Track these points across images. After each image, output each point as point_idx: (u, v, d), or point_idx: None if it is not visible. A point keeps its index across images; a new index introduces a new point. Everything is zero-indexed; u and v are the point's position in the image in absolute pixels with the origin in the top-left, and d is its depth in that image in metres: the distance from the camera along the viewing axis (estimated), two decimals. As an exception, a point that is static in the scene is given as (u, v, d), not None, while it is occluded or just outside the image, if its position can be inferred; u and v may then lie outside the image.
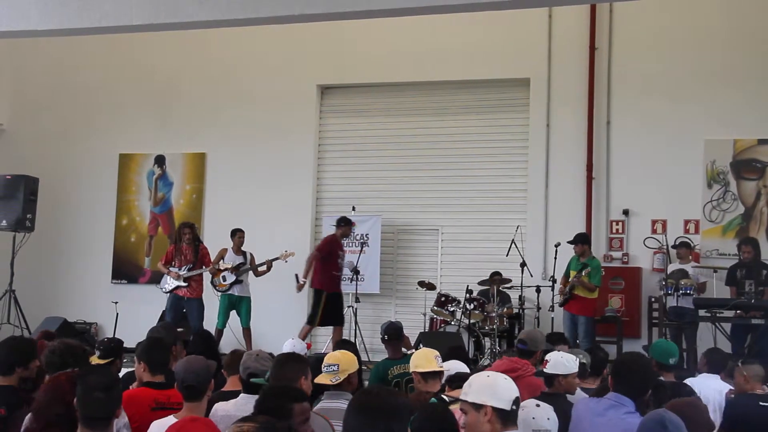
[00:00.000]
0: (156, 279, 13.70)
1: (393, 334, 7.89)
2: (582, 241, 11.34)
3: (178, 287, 11.82)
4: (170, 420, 4.49)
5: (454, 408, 4.75)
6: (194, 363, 4.93)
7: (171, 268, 11.87)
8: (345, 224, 12.12)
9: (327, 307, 11.73)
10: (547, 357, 5.73)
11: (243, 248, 12.24)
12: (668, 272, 11.17)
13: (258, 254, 12.24)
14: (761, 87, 11.96)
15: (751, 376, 6.37)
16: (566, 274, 11.40)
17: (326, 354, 5.61)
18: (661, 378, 6.00)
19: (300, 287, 11.97)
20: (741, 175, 12.08)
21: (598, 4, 12.52)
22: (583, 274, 10.95)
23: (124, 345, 6.39)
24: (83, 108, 15.01)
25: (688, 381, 6.54)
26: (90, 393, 4.05)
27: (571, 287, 11.06)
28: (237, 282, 12.05)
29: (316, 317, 11.72)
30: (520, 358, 6.66)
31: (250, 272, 12.21)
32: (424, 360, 5.62)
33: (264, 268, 12.19)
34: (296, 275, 11.94)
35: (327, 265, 11.80)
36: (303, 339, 10.49)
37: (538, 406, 4.21)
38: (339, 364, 5.20)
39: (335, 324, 11.91)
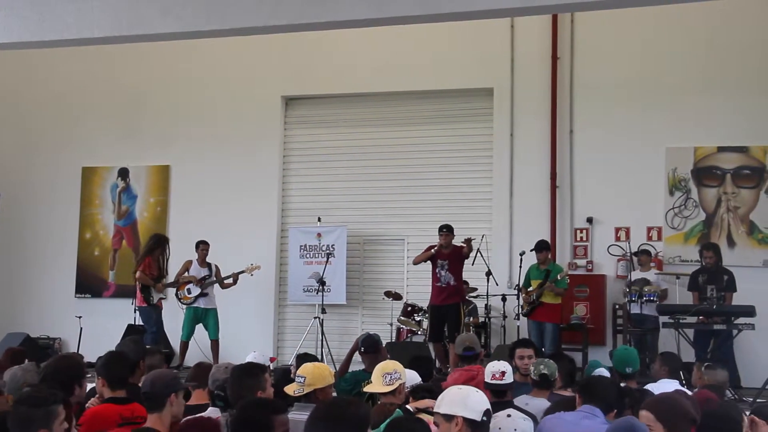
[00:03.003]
0: (121, 293, 13.67)
1: (370, 347, 7.89)
2: (547, 248, 11.41)
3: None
4: None
5: (425, 416, 4.77)
6: (154, 373, 4.96)
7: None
8: (438, 231, 11.20)
9: (430, 321, 11.21)
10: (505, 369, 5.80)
11: (208, 260, 12.18)
12: (631, 279, 11.28)
13: (224, 266, 12.19)
14: (721, 95, 12.12)
15: (712, 381, 6.41)
16: (526, 285, 11.45)
17: (291, 366, 5.60)
18: (623, 384, 6.09)
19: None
20: (702, 182, 12.23)
21: (560, 14, 12.65)
22: (558, 277, 10.99)
23: (88, 360, 6.32)
24: (45, 121, 14.86)
25: (648, 386, 6.59)
26: (16, 407, 4.00)
27: (539, 295, 11.10)
28: (202, 295, 11.98)
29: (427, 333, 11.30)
30: (468, 364, 6.87)
31: (216, 284, 12.15)
32: (374, 378, 5.54)
33: (230, 281, 12.14)
34: None
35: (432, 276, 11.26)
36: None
37: (509, 416, 4.26)
38: (306, 377, 5.19)
39: (435, 340, 11.02)
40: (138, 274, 11.78)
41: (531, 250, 11.35)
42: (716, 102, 12.12)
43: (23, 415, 3.94)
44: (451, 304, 10.93)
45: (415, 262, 11.45)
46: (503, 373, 5.74)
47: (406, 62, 13.29)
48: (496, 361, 5.96)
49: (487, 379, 5.77)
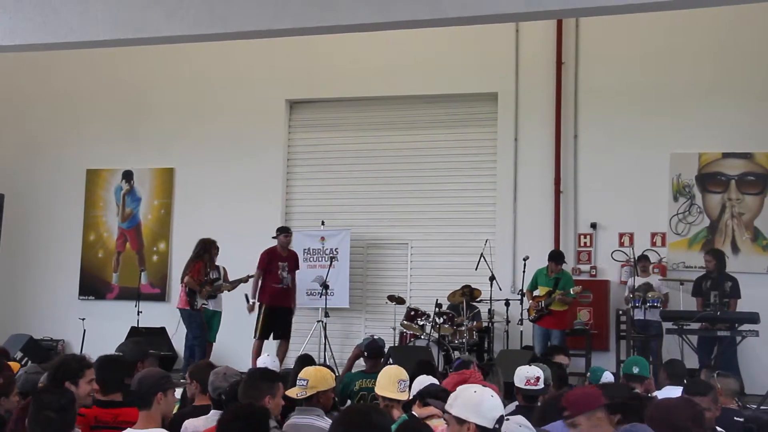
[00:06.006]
0: (125, 295, 13.66)
1: (373, 352, 7.91)
2: (563, 260, 11.45)
3: None
4: None
5: (430, 423, 4.75)
6: (143, 372, 5.03)
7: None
8: (280, 232, 12.13)
9: (265, 321, 11.76)
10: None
11: (217, 263, 12.02)
12: (633, 285, 11.27)
13: (227, 269, 12.06)
14: (725, 101, 12.10)
15: (724, 390, 6.33)
16: (531, 288, 11.46)
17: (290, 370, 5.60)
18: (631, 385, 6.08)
19: (250, 308, 11.93)
20: (706, 188, 12.21)
21: (565, 19, 12.64)
22: (572, 291, 11.05)
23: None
24: (49, 123, 14.88)
25: (655, 393, 6.58)
26: (41, 412, 3.98)
27: (548, 304, 11.11)
28: (211, 297, 11.78)
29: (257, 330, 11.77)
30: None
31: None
32: (387, 382, 5.49)
33: (231, 286, 11.95)
34: (245, 295, 11.95)
35: (266, 278, 11.86)
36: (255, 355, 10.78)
37: (519, 426, 4.16)
38: (309, 379, 5.20)
39: (265, 338, 11.83)
40: (187, 278, 11.54)
41: (550, 260, 11.34)
42: (721, 108, 12.09)
43: (63, 421, 3.99)
44: (287, 308, 11.91)
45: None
46: (537, 379, 5.70)
47: (410, 66, 13.29)
48: (529, 366, 5.90)
49: (521, 384, 5.72)
